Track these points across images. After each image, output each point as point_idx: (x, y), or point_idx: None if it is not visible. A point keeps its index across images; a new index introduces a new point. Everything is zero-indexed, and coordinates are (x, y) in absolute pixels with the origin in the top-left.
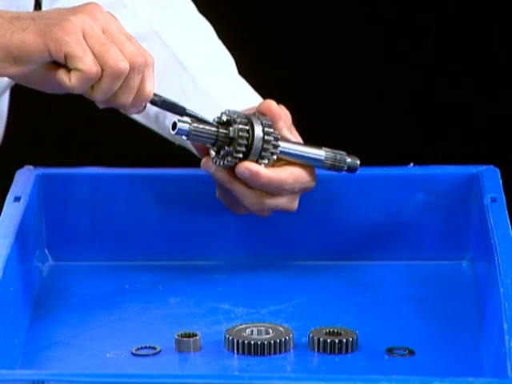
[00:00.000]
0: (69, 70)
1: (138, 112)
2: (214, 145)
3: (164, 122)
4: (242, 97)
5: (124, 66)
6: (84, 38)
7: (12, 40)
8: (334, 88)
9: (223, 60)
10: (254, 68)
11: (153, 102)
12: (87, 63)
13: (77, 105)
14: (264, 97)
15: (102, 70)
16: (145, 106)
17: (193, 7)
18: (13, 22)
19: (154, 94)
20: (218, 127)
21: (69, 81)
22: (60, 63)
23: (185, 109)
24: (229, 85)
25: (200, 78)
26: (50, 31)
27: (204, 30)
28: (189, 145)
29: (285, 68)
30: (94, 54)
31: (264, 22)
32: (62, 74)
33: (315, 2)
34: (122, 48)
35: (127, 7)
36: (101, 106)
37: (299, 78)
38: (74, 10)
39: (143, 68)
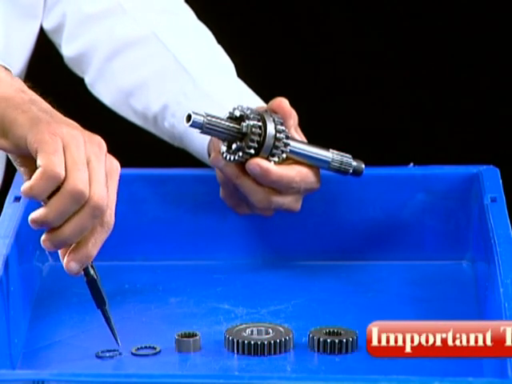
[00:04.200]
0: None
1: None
2: (225, 140)
3: (163, 124)
4: (243, 98)
5: (82, 188)
6: (64, 150)
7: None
8: (334, 88)
9: (223, 63)
10: (254, 71)
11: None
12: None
13: (77, 106)
14: (262, 98)
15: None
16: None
17: (192, 14)
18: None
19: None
20: (231, 122)
21: (28, 178)
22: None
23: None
24: (229, 86)
25: (200, 80)
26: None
27: (203, 34)
28: (188, 147)
29: (284, 67)
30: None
31: (262, 25)
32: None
33: (314, 4)
34: (93, 181)
35: (127, 12)
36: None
37: (298, 78)
38: (83, 132)
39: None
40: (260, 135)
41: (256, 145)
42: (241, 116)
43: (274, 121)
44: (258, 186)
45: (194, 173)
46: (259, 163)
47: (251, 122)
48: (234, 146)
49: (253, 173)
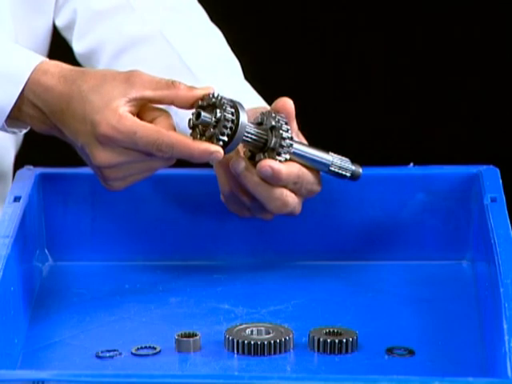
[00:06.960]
0: None
1: None
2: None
3: None
4: (245, 98)
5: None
6: None
7: None
8: (334, 88)
9: (228, 63)
10: (255, 72)
11: None
12: None
13: None
14: (266, 100)
15: None
16: None
17: (203, 14)
18: None
19: None
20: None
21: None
22: None
23: None
24: (232, 86)
25: (203, 80)
26: None
27: (212, 34)
28: None
29: (284, 68)
30: None
31: (264, 26)
32: None
33: (316, 5)
34: None
35: (135, 10)
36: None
37: (300, 77)
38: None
39: None
40: (233, 123)
41: (229, 132)
42: (213, 103)
43: (274, 118)
44: (274, 187)
45: (194, 173)
46: (271, 165)
47: (225, 114)
48: (207, 133)
49: (264, 175)
